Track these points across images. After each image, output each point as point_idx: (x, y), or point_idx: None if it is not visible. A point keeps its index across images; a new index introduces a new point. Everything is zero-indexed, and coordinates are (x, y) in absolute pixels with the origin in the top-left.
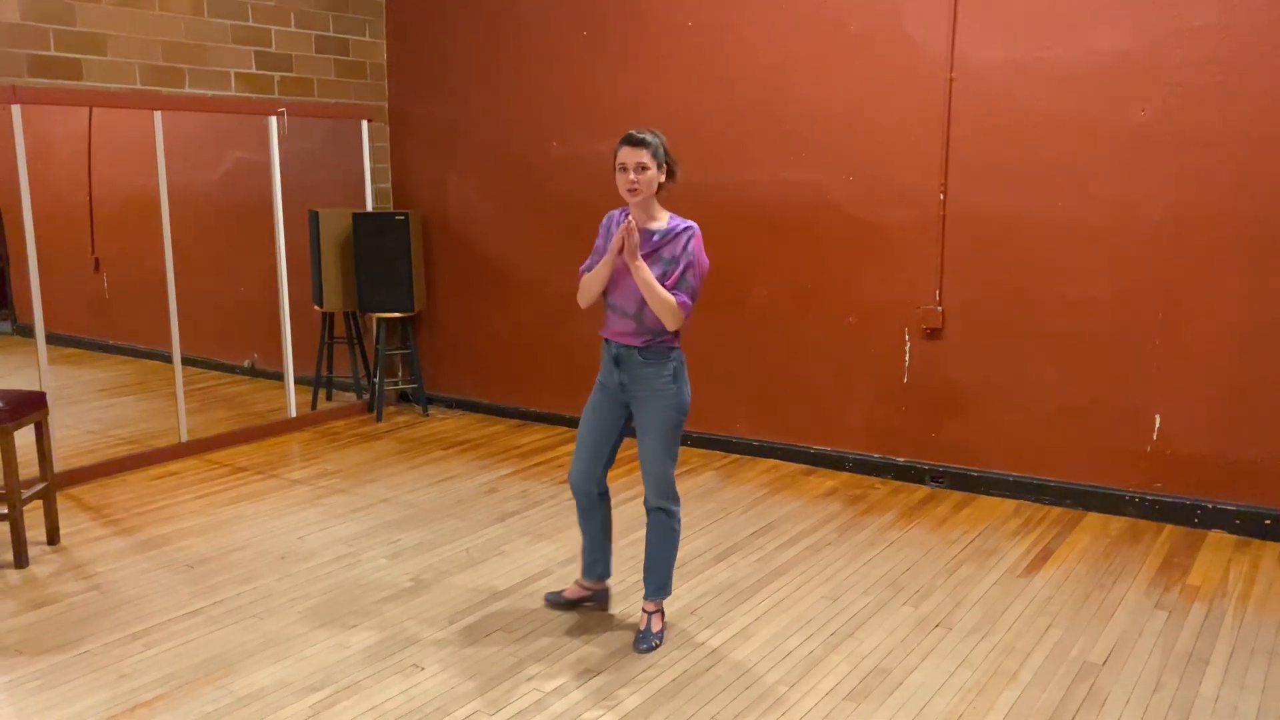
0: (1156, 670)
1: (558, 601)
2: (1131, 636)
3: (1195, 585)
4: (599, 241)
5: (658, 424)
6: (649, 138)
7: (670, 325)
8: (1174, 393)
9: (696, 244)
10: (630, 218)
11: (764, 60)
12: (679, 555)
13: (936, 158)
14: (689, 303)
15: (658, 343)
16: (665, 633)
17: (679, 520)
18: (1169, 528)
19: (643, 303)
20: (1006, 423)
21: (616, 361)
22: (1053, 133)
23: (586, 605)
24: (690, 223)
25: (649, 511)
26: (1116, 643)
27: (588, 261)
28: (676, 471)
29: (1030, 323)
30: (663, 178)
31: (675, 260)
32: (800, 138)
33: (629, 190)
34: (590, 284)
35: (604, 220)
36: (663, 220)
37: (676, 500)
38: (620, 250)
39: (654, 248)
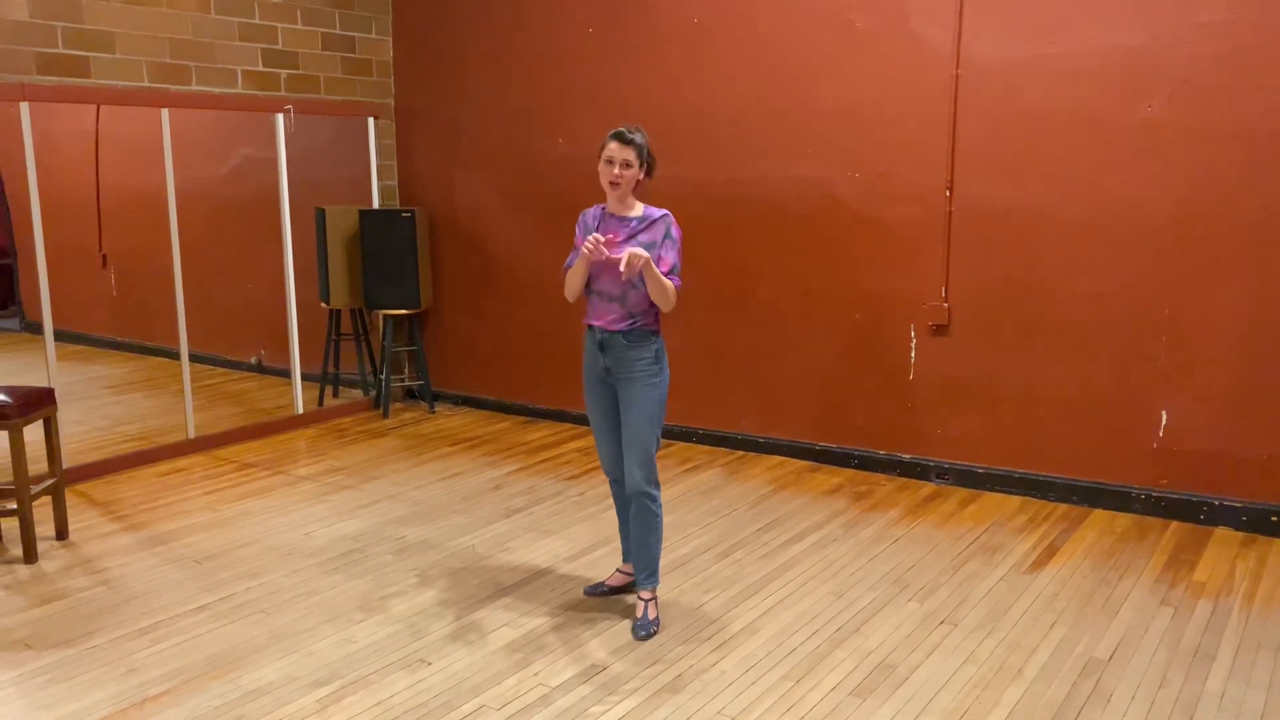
0: (1162, 666)
1: (600, 592)
2: (1137, 633)
3: (1201, 582)
4: (578, 238)
5: (642, 405)
6: (637, 137)
7: (668, 308)
8: (1180, 389)
9: (677, 230)
10: (606, 237)
11: (770, 57)
12: (685, 549)
13: (943, 154)
14: (679, 284)
15: (640, 326)
16: (661, 619)
17: (660, 505)
18: (1175, 524)
19: (627, 287)
20: (1012, 419)
21: (601, 347)
22: (1059, 129)
23: (633, 590)
24: (665, 210)
25: (632, 498)
26: (1122, 639)
27: (570, 258)
28: (684, 467)
29: (1036, 319)
30: (642, 175)
31: (655, 245)
32: (806, 134)
33: (611, 183)
34: (572, 280)
35: (580, 218)
36: (638, 209)
37: (657, 485)
38: (600, 256)
39: (632, 232)
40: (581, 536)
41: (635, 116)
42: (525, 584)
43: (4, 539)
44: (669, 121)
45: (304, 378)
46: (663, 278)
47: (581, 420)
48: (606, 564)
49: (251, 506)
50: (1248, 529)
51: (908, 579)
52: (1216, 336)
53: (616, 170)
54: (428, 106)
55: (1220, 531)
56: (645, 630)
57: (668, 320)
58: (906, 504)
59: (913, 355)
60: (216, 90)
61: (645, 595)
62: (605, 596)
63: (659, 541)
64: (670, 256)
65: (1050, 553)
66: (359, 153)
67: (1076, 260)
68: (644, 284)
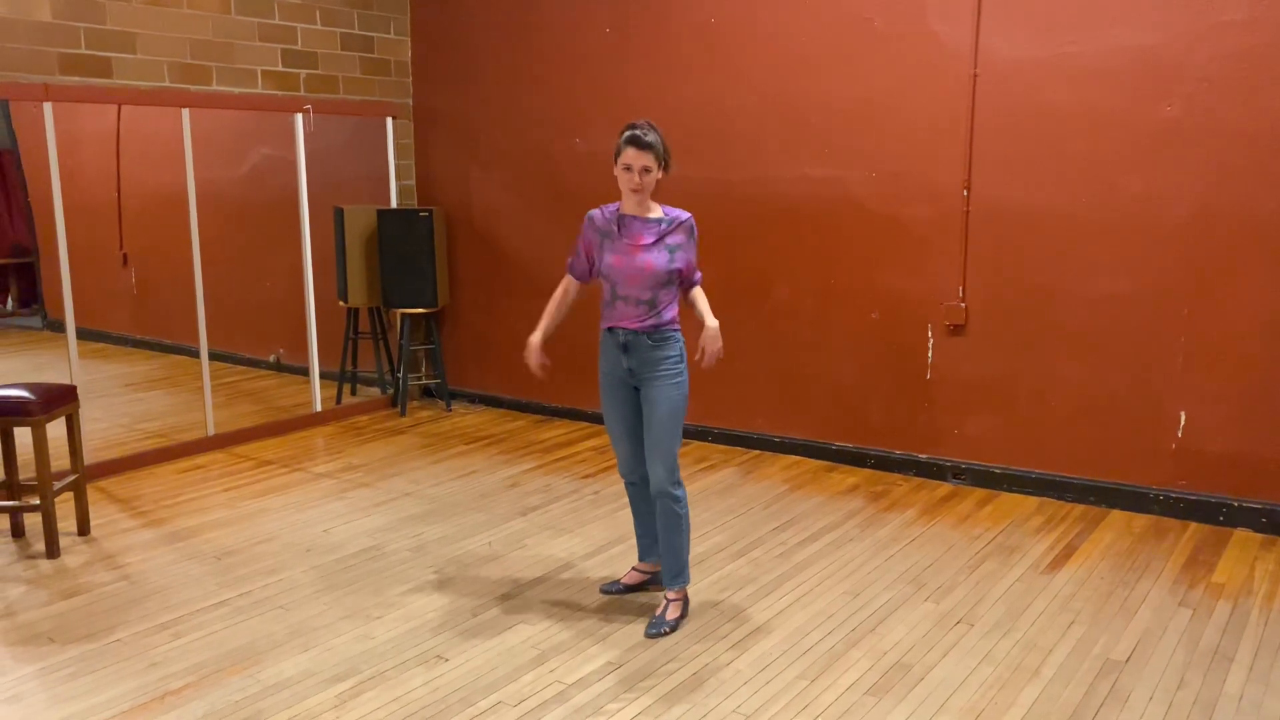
0: (1180, 668)
1: (615, 590)
2: (1155, 634)
3: (1220, 583)
4: (589, 237)
5: (667, 404)
6: (654, 140)
7: None
8: (1199, 389)
9: (696, 231)
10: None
11: (787, 56)
12: (700, 548)
13: (960, 154)
14: (700, 276)
15: (665, 325)
16: (682, 622)
17: (684, 505)
18: (1194, 525)
19: (656, 288)
20: (1029, 419)
21: (625, 349)
22: (1077, 128)
23: (649, 589)
24: (688, 213)
25: (656, 499)
26: (1140, 640)
27: (571, 260)
28: (699, 466)
29: (1054, 319)
30: (661, 175)
31: (680, 248)
32: (823, 134)
33: (633, 189)
34: (553, 311)
35: (587, 219)
36: (657, 210)
37: (681, 484)
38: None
39: (659, 235)
40: (597, 534)
41: (651, 115)
42: (541, 581)
43: (27, 534)
44: (686, 121)
45: (322, 376)
46: (704, 298)
47: (597, 419)
48: (622, 561)
49: (270, 503)
50: (1268, 530)
51: (924, 579)
52: (1236, 336)
53: (637, 178)
54: (446, 106)
55: (1240, 533)
56: (656, 629)
57: (683, 320)
58: (923, 504)
59: (930, 355)
60: (236, 90)
61: (672, 595)
62: (621, 594)
63: (686, 541)
64: (693, 256)
65: (1068, 553)
66: (377, 152)
67: (1095, 260)
68: (672, 283)
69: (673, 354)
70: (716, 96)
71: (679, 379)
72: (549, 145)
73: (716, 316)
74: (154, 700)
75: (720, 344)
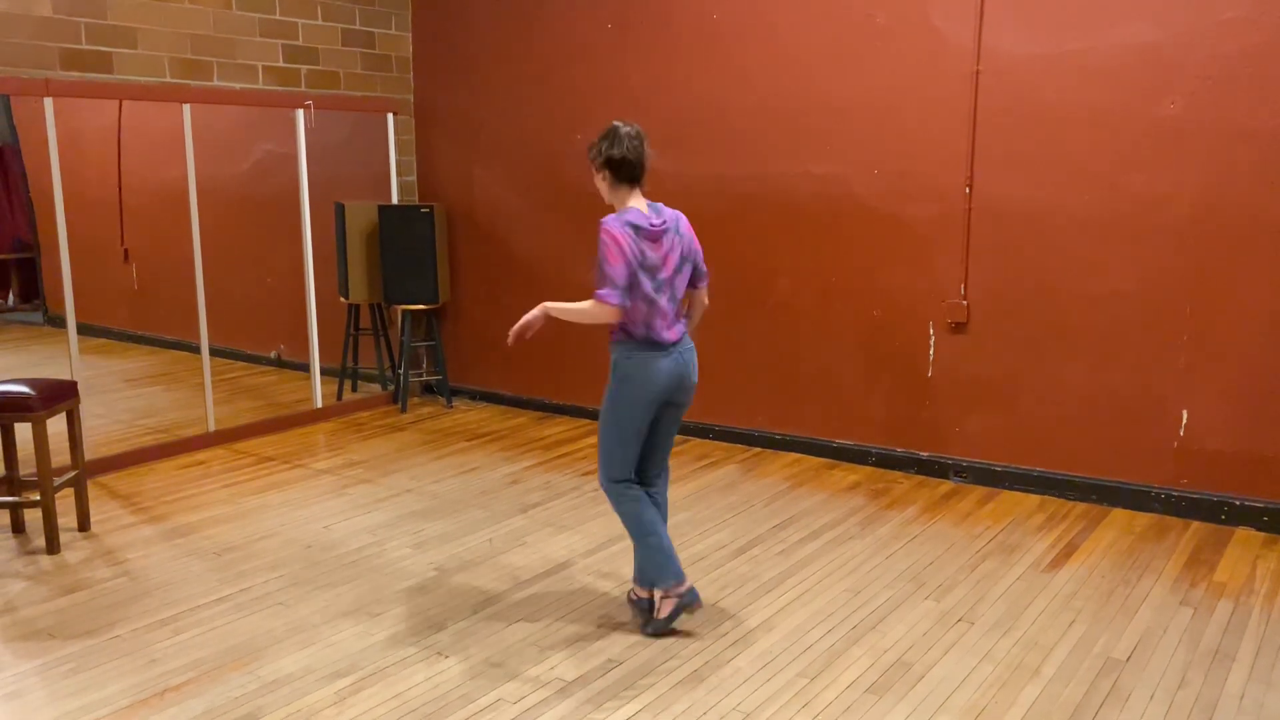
0: (1181, 667)
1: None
2: (1156, 633)
3: (1221, 582)
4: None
5: (602, 411)
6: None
7: (605, 321)
8: (1201, 388)
9: (604, 241)
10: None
11: (789, 53)
12: (701, 546)
13: (962, 151)
14: (604, 293)
15: (612, 339)
16: (665, 624)
17: (622, 510)
18: (1195, 524)
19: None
20: (1031, 417)
21: None
22: (1080, 126)
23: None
24: (609, 217)
25: None
26: (1141, 639)
27: None
28: (700, 463)
29: (1056, 317)
30: (597, 177)
31: (599, 259)
32: (825, 131)
33: None
34: None
35: None
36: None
37: (614, 489)
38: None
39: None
40: (598, 532)
41: (653, 112)
42: (542, 578)
43: (27, 530)
44: (687, 117)
45: (323, 372)
46: (569, 308)
47: (597, 416)
48: (623, 559)
49: (271, 499)
50: (1269, 529)
51: (925, 577)
52: (1238, 335)
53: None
54: (447, 102)
55: (1241, 531)
56: (648, 627)
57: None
58: (924, 502)
59: (931, 353)
60: (237, 86)
61: (657, 592)
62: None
63: (638, 544)
64: (600, 269)
65: (1069, 552)
66: (378, 148)
67: (1097, 258)
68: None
69: (613, 364)
70: (718, 93)
71: (613, 389)
72: (550, 141)
73: (720, 313)
74: (154, 696)
75: (521, 325)
